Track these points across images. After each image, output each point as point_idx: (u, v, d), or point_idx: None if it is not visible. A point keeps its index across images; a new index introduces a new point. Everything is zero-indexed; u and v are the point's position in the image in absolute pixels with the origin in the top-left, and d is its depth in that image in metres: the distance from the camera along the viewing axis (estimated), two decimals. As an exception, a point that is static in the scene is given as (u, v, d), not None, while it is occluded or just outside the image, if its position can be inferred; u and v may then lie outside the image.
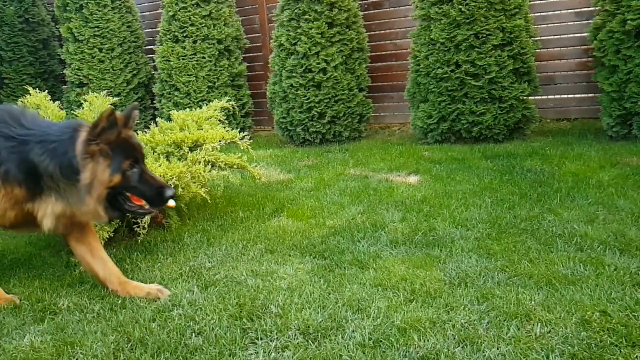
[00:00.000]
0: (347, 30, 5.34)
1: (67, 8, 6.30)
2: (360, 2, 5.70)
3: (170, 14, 5.88)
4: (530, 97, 4.68)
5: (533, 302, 1.83)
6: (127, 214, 2.14)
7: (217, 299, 2.02)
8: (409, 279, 2.08)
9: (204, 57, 5.86)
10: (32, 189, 1.96)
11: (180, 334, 1.79)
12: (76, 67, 6.37)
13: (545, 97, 5.19)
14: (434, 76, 4.72)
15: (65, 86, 6.85)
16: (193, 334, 1.79)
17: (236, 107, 4.36)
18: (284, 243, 2.58)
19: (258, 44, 6.63)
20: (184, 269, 2.36)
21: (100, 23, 6.25)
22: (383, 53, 6.04)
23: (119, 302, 2.07)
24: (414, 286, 2.01)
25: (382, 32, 6.05)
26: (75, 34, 6.28)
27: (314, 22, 5.23)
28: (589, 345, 1.57)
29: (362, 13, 5.61)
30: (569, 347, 1.56)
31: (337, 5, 5.26)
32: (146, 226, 2.54)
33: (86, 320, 1.96)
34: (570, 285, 1.94)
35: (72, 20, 6.27)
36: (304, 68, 5.26)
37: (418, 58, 4.85)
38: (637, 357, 1.50)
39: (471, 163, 3.98)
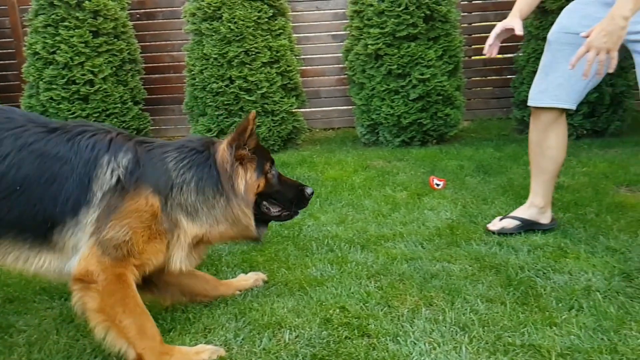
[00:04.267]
0: (116, 40, 5.03)
1: None
2: (131, 11, 5.43)
3: None
4: (299, 110, 5.09)
5: (285, 310, 1.98)
6: (272, 221, 1.96)
7: None
8: (171, 306, 2.04)
9: None
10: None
11: None
12: None
13: (314, 109, 5.72)
14: (210, 90, 4.77)
15: None
16: None
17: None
18: (29, 288, 2.25)
19: (10, 50, 5.78)
20: None
21: None
22: (160, 65, 5.88)
23: None
24: (175, 314, 1.99)
25: (158, 43, 5.89)
26: None
27: (76, 30, 4.80)
28: (328, 343, 1.76)
29: (133, 23, 5.35)
30: (311, 349, 1.73)
31: (102, 14, 4.91)
32: None
33: None
34: (318, 286, 2.15)
35: None
36: (66, 79, 4.78)
37: (193, 72, 4.84)
38: (364, 344, 1.75)
39: (248, 175, 4.13)
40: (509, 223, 2.58)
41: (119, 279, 1.55)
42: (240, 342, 1.78)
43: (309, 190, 1.93)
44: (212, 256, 2.54)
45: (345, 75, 5.20)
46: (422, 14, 4.58)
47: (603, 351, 1.63)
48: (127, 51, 5.10)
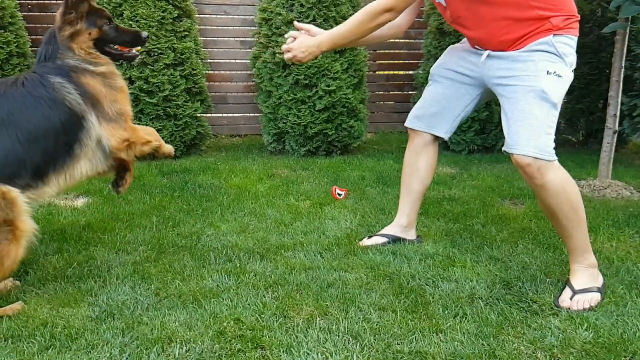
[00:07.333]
0: (2, 31, 4.55)
1: None
2: (21, 1, 4.96)
3: None
4: (204, 115, 4.95)
5: (177, 323, 1.89)
6: (120, 60, 2.40)
7: None
8: (51, 321, 1.88)
9: None
10: None
11: None
12: None
13: (220, 115, 5.61)
14: (107, 90, 4.47)
15: None
16: None
17: None
18: None
19: None
20: None
21: None
22: (51, 59, 5.41)
23: None
24: (55, 330, 1.82)
25: (50, 36, 5.43)
26: None
27: (-49, 16, 4.28)
28: (220, 357, 1.70)
29: (24, 14, 4.89)
30: (202, 363, 1.67)
31: (-15, 0, 4.43)
32: None
33: None
34: (214, 298, 2.09)
35: None
36: (-64, 70, 4.23)
37: (88, 69, 4.51)
38: (257, 356, 1.72)
39: (147, 180, 3.93)
40: (377, 240, 2.71)
41: (132, 126, 2.26)
42: (126, 359, 1.67)
43: (144, 34, 2.38)
44: (101, 268, 2.37)
45: (253, 82, 5.16)
46: (330, 27, 4.65)
47: (483, 356, 1.74)
48: (15, 44, 4.62)
